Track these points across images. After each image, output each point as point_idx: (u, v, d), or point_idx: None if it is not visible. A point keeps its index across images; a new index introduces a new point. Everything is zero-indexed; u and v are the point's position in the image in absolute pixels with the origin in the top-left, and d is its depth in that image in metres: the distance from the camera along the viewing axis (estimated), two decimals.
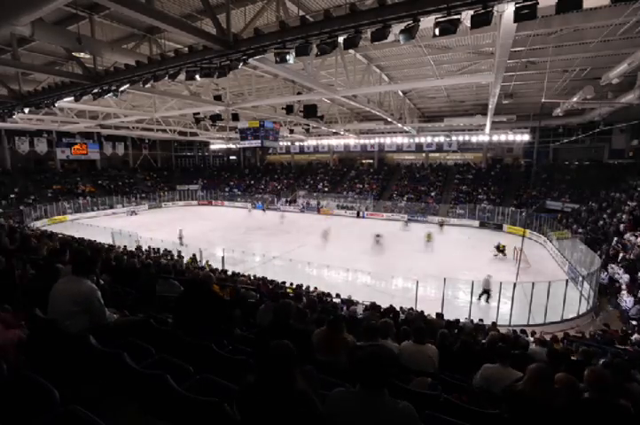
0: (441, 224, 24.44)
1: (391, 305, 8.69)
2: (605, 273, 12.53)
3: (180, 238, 18.56)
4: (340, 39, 5.41)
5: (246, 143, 20.07)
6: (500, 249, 17.45)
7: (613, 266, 12.58)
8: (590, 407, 2.23)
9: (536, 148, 27.02)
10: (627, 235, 13.75)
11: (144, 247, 15.66)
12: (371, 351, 1.73)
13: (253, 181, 40.31)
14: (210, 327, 3.03)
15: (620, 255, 12.89)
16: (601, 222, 17.13)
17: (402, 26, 4.88)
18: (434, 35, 4.81)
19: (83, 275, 2.82)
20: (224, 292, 6.33)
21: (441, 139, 28.33)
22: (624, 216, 15.49)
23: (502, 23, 5.89)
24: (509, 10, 4.70)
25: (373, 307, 8.24)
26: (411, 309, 9.60)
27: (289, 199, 35.10)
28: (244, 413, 1.66)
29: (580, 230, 17.65)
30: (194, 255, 14.94)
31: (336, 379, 2.42)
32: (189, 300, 3.25)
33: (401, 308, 9.10)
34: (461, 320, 8.28)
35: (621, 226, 14.92)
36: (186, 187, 39.39)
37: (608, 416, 2.17)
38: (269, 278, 11.43)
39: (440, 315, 8.52)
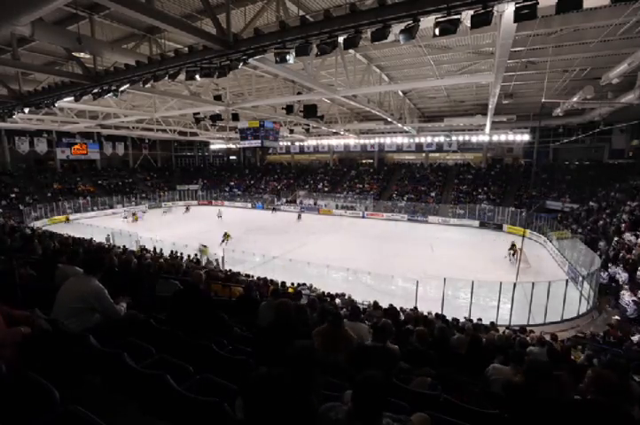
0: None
1: (391, 305, 8.69)
2: (606, 272, 12.52)
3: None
4: (340, 39, 5.41)
5: (246, 143, 20.08)
6: (513, 249, 16.98)
7: (613, 266, 12.56)
8: (592, 409, 2.22)
9: (536, 148, 27.06)
10: (626, 235, 13.74)
11: (146, 247, 15.66)
12: (369, 379, 1.55)
13: (253, 181, 40.33)
14: (200, 326, 3.08)
15: (620, 255, 12.88)
16: (601, 222, 17.13)
17: (402, 26, 4.87)
18: (434, 35, 4.80)
19: (92, 274, 2.95)
20: (225, 292, 6.33)
21: (441, 139, 28.31)
22: (624, 216, 15.48)
23: (502, 23, 5.88)
24: (509, 10, 4.70)
25: (375, 307, 8.25)
26: (413, 308, 9.60)
27: (289, 199, 35.13)
28: (250, 405, 1.65)
29: (579, 230, 17.64)
30: (196, 254, 14.94)
31: (336, 379, 2.42)
32: (180, 301, 3.34)
33: (401, 308, 9.10)
34: (460, 320, 8.29)
35: (622, 226, 14.90)
36: (186, 187, 39.39)
37: (610, 419, 2.16)
38: (269, 278, 11.43)
39: (442, 317, 8.52)
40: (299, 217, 29.43)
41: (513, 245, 17.12)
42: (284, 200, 35.17)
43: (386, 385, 1.56)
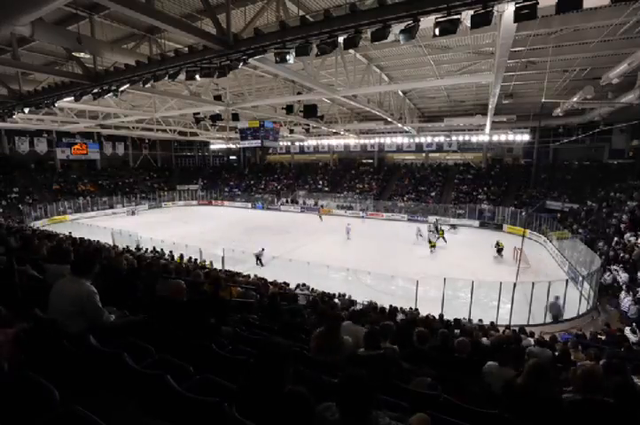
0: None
1: (391, 306, 8.70)
2: (608, 273, 12.49)
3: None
4: (340, 39, 5.41)
5: (246, 143, 20.09)
6: (499, 247, 17.52)
7: (614, 267, 12.53)
8: (583, 407, 2.23)
9: (536, 148, 27.03)
10: (626, 235, 13.73)
11: (145, 247, 15.66)
12: (351, 377, 1.57)
13: (253, 181, 40.34)
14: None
15: (621, 255, 12.86)
16: (601, 222, 17.09)
17: (402, 26, 4.87)
18: (434, 35, 4.81)
19: (83, 276, 2.84)
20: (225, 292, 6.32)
21: (441, 139, 28.32)
22: (624, 216, 15.46)
23: (502, 23, 5.88)
24: (509, 10, 4.69)
25: (373, 308, 8.25)
26: (411, 308, 9.61)
27: (289, 199, 35.13)
28: (240, 413, 1.66)
29: (580, 230, 17.63)
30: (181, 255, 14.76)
31: (333, 378, 2.42)
32: (164, 318, 3.01)
33: (401, 308, 9.11)
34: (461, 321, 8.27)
35: (622, 226, 14.87)
36: (186, 187, 39.40)
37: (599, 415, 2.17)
38: (269, 278, 11.42)
39: (441, 316, 8.52)
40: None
41: (498, 244, 17.72)
42: (284, 200, 35.17)
43: (368, 383, 1.54)
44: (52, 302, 2.76)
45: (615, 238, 14.21)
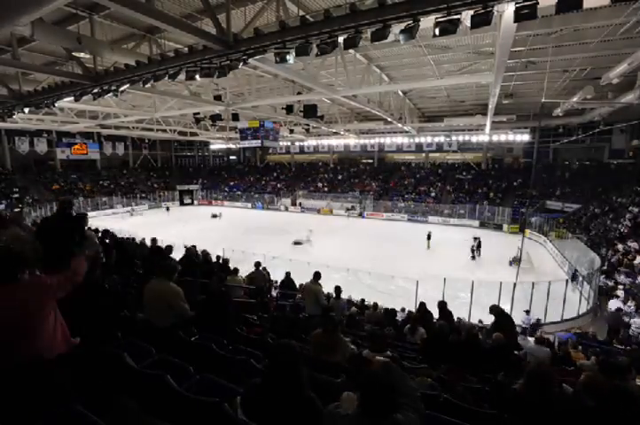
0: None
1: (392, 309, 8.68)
2: (603, 277, 12.36)
3: None
4: (340, 39, 5.40)
5: (246, 143, 20.06)
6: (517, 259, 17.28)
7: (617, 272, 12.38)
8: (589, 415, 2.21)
9: (536, 148, 26.99)
10: (629, 241, 13.60)
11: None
12: (373, 375, 1.57)
13: (253, 181, 40.34)
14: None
15: (624, 261, 12.70)
16: (602, 229, 16.93)
17: (402, 26, 4.87)
18: (434, 35, 4.79)
19: (168, 278, 3.26)
20: None
21: (441, 139, 28.28)
22: (627, 222, 15.30)
23: (502, 23, 5.87)
24: (509, 10, 4.69)
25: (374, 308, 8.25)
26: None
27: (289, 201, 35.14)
28: (249, 415, 1.65)
29: (581, 234, 17.50)
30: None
31: (333, 377, 2.43)
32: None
33: (402, 309, 9.11)
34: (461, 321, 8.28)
35: (624, 232, 14.72)
36: (186, 187, 39.41)
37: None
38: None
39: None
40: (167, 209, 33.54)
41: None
42: (285, 201, 35.20)
43: (390, 383, 1.54)
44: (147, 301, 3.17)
45: (620, 245, 13.97)
